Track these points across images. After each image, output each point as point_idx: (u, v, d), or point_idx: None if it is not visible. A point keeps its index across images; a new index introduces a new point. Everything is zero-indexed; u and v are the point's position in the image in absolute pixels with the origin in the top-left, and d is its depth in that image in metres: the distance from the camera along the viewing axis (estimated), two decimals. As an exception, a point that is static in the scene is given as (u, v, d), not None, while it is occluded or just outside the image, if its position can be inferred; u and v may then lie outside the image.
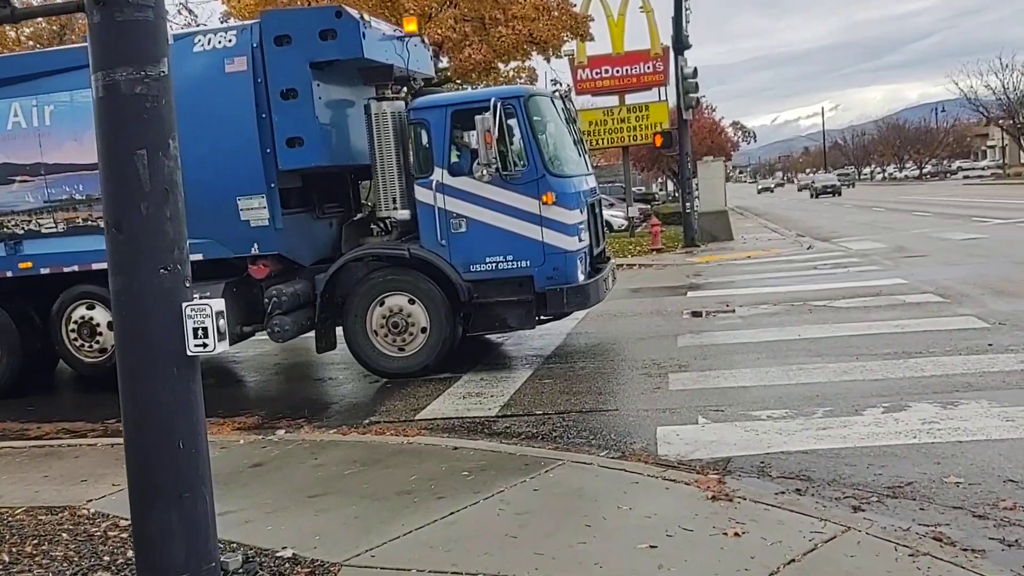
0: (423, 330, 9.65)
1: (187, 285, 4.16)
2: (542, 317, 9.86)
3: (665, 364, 9.26)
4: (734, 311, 12.48)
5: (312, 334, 10.14)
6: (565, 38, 25.54)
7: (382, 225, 10.60)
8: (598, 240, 10.64)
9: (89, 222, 10.23)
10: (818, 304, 12.33)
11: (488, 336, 11.30)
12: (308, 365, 11.18)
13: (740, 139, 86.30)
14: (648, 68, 29.79)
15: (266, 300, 9.87)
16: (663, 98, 32.35)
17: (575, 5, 25.63)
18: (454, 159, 9.63)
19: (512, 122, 9.38)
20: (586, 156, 10.97)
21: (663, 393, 8.08)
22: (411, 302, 9.66)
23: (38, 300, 10.67)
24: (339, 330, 10.15)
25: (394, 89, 10.18)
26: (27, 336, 10.62)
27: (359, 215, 10.87)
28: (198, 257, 10.00)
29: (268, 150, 9.68)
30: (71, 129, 10.06)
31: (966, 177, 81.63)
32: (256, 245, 9.94)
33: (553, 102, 10.27)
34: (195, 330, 4.08)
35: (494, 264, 9.48)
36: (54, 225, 10.35)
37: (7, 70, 10.31)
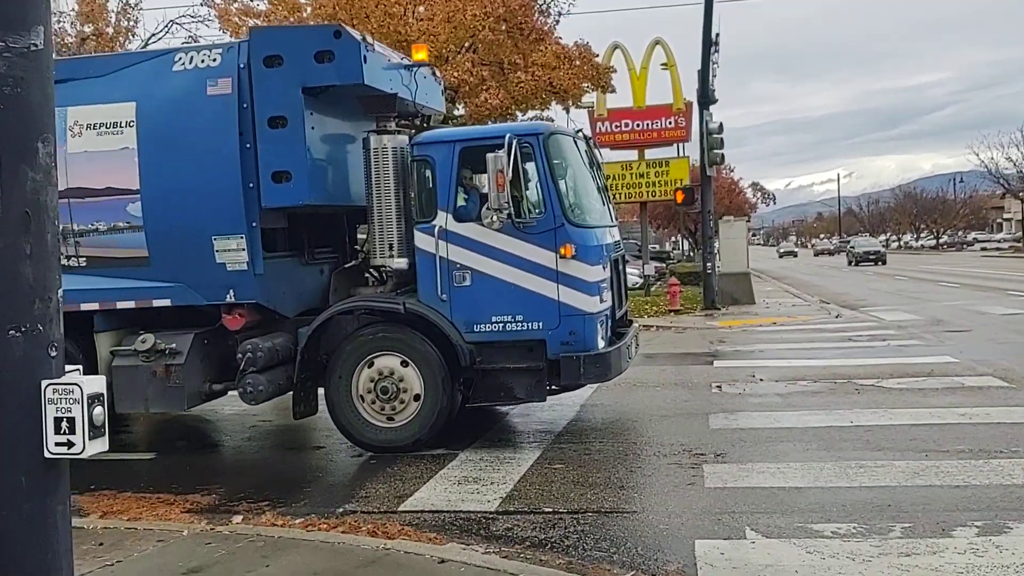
0: (416, 397, 8.34)
1: (53, 354, 2.85)
2: (554, 388, 8.54)
3: (697, 451, 7.91)
4: (766, 384, 11.11)
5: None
6: (586, 88, 24.60)
7: (377, 274, 9.34)
8: (620, 301, 9.36)
9: (45, 258, 9.00)
10: (865, 383, 10.97)
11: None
12: (289, 430, 9.84)
13: (759, 200, 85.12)
14: (670, 123, 28.81)
15: (239, 355, 8.59)
16: (683, 154, 31.36)
17: (597, 56, 24.74)
18: (460, 203, 8.41)
19: (529, 163, 8.17)
20: (610, 206, 9.74)
21: (698, 491, 6.72)
22: (404, 364, 8.36)
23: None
24: (322, 393, 8.85)
25: (398, 123, 9.01)
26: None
27: (352, 262, 9.62)
28: (165, 302, 8.80)
29: (251, 185, 8.49)
30: (31, 152, 8.88)
31: (983, 249, 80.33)
32: (232, 292, 8.70)
33: (576, 143, 9.07)
34: (57, 421, 2.77)
35: (501, 324, 8.19)
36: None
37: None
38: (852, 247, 64.31)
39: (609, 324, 8.65)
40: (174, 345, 8.75)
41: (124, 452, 9.26)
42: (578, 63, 23.24)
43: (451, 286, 8.25)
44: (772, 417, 9.18)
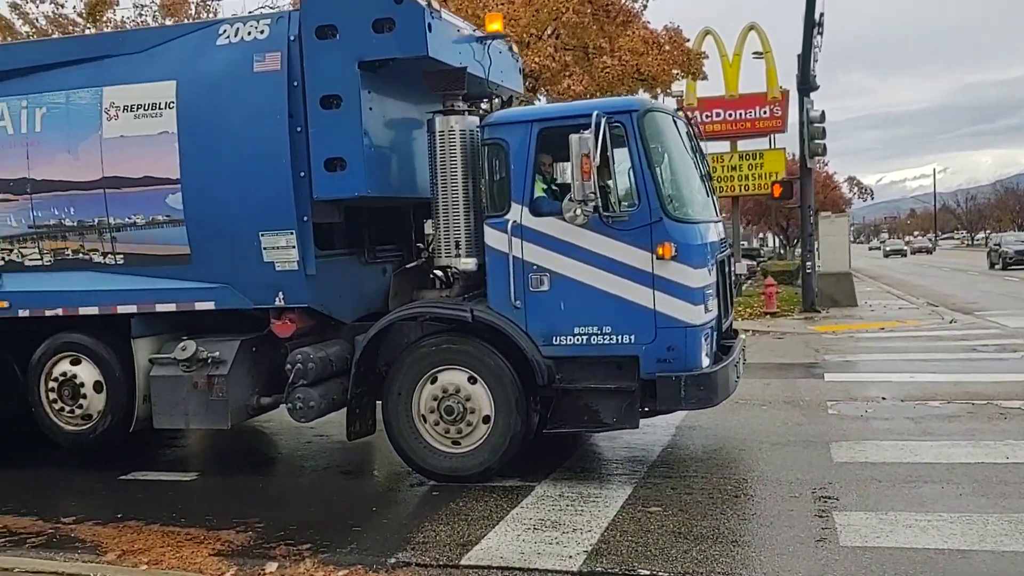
0: (485, 419, 7.18)
1: None
2: (647, 411, 7.27)
3: (823, 492, 6.56)
4: (891, 404, 9.62)
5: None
6: (676, 75, 23.14)
7: (443, 276, 8.21)
8: (727, 310, 8.02)
9: (81, 255, 8.15)
10: (1010, 406, 9.37)
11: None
12: (347, 449, 8.75)
13: (855, 196, 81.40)
14: (764, 112, 27.17)
15: (288, 366, 7.57)
16: (776, 145, 29.56)
17: (688, 41, 23.23)
18: (539, 193, 7.20)
19: (620, 147, 6.90)
20: (714, 197, 8.40)
21: (831, 550, 5.39)
22: (472, 381, 7.20)
23: (17, 350, 8.63)
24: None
25: (468, 104, 7.85)
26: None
27: (416, 262, 8.52)
28: (208, 305, 7.85)
29: (302, 173, 7.46)
30: (65, 138, 8.03)
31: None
32: (281, 295, 7.69)
33: (675, 123, 7.76)
34: None
35: (585, 337, 6.97)
36: (39, 256, 8.30)
37: (-4, 63, 8.36)
38: (998, 245, 48.40)
39: (714, 337, 7.33)
40: (217, 353, 7.79)
41: (165, 471, 8.39)
42: (668, 48, 21.78)
43: (526, 291, 7.06)
44: (907, 448, 7.72)
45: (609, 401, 7.05)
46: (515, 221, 7.05)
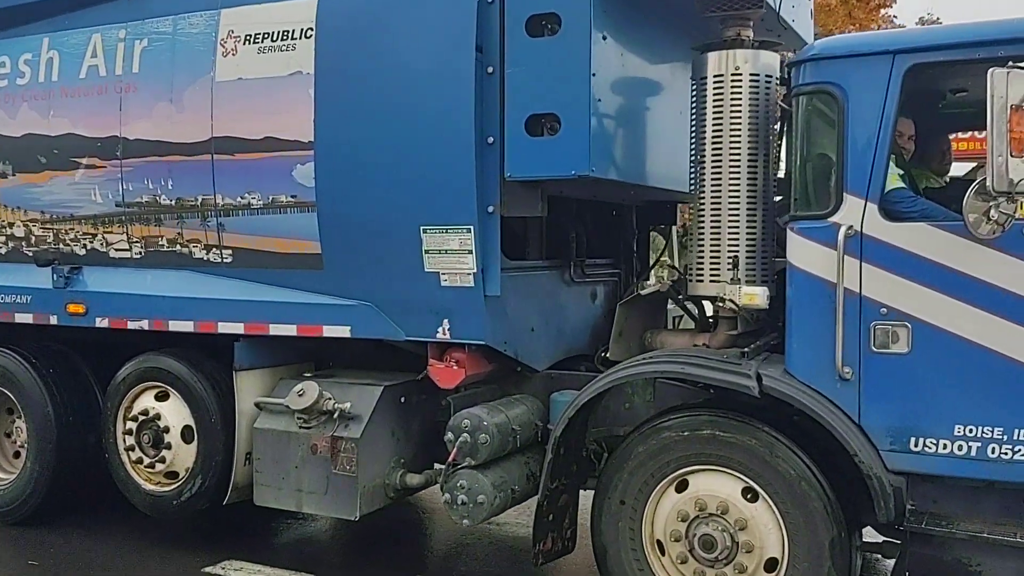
0: (770, 566, 4.19)
1: None
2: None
3: None
4: None
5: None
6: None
7: (697, 311, 5.25)
8: None
9: (178, 247, 5.78)
10: None
11: None
12: (524, 554, 5.94)
13: None
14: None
15: (449, 435, 4.87)
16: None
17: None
18: (895, 184, 4.15)
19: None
20: None
21: None
22: (750, 496, 4.24)
23: (100, 367, 6.39)
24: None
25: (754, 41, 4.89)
26: (66, 429, 6.30)
27: (650, 285, 5.62)
28: (342, 332, 5.28)
29: (490, 139, 4.79)
30: (167, 82, 5.69)
31: None
32: (447, 324, 5.02)
33: None
34: None
35: (974, 444, 3.86)
36: (127, 246, 6.01)
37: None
38: None
39: None
40: (348, 405, 5.20)
41: (269, 565, 5.81)
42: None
43: (865, 350, 4.02)
44: None
45: (1007, 564, 3.88)
46: (850, 227, 4.01)
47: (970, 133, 6.11)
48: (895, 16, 18.79)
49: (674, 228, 7.11)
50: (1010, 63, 3.50)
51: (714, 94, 4.56)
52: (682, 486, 4.39)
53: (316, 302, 5.38)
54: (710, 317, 5.06)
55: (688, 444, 4.33)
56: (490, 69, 4.81)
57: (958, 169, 5.92)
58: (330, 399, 5.23)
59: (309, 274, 5.36)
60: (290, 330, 5.45)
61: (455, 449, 4.83)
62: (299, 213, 5.29)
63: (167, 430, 5.85)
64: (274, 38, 5.32)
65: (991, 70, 3.46)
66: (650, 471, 4.41)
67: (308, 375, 5.63)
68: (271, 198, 5.37)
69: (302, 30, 5.23)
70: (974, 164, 5.02)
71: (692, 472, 4.36)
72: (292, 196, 5.29)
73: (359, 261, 5.22)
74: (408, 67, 4.95)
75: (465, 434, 4.82)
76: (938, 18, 18.65)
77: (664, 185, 5.47)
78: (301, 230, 5.31)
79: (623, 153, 4.97)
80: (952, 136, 5.32)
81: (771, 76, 4.58)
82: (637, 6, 4.95)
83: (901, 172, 4.24)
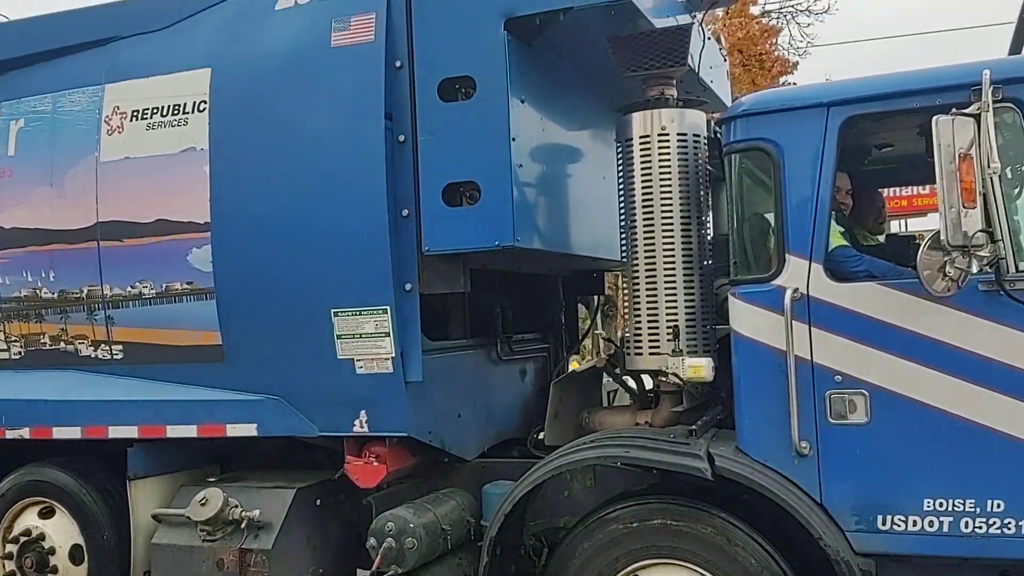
0: (735, 668, 3.78)
1: None
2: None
3: None
4: None
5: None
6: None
7: (635, 387, 4.88)
8: None
9: (63, 344, 5.20)
10: None
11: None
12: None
13: None
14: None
15: (371, 540, 4.37)
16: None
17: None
18: (838, 241, 3.91)
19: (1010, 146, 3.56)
20: None
21: None
22: (705, 591, 3.84)
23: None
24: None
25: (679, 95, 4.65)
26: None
27: (585, 361, 5.26)
28: (248, 430, 4.75)
29: (405, 212, 4.42)
30: (46, 164, 5.19)
31: None
32: (364, 416, 4.57)
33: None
34: None
35: (945, 519, 3.56)
36: (4, 346, 5.39)
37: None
38: None
39: None
40: (257, 512, 4.65)
41: None
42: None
43: (822, 422, 3.71)
44: None
45: (991, 647, 3.56)
46: (796, 290, 3.74)
47: (893, 190, 5.96)
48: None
49: (596, 298, 6.80)
50: (953, 110, 3.30)
51: (641, 156, 4.29)
52: (634, 583, 3.97)
53: (218, 398, 4.85)
54: (649, 392, 4.70)
55: (637, 536, 3.93)
56: (401, 138, 4.48)
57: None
58: (236, 507, 4.69)
59: (209, 368, 4.84)
60: (190, 431, 4.90)
61: (379, 557, 4.33)
62: (196, 301, 4.81)
63: (53, 551, 5.20)
64: (164, 113, 4.90)
65: (935, 118, 3.26)
66: (597, 569, 3.98)
67: (211, 480, 5.07)
68: (164, 286, 4.88)
69: (195, 103, 4.83)
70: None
71: (644, 567, 3.95)
72: (188, 283, 4.81)
73: (265, 351, 4.73)
74: (313, 139, 4.57)
75: (389, 539, 4.34)
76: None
77: (591, 253, 5.17)
78: (199, 320, 4.81)
79: (547, 221, 4.65)
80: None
81: (699, 136, 4.34)
82: (553, 68, 4.70)
83: (842, 229, 4.02)
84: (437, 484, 4.97)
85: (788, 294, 3.70)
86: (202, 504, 4.66)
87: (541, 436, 5.22)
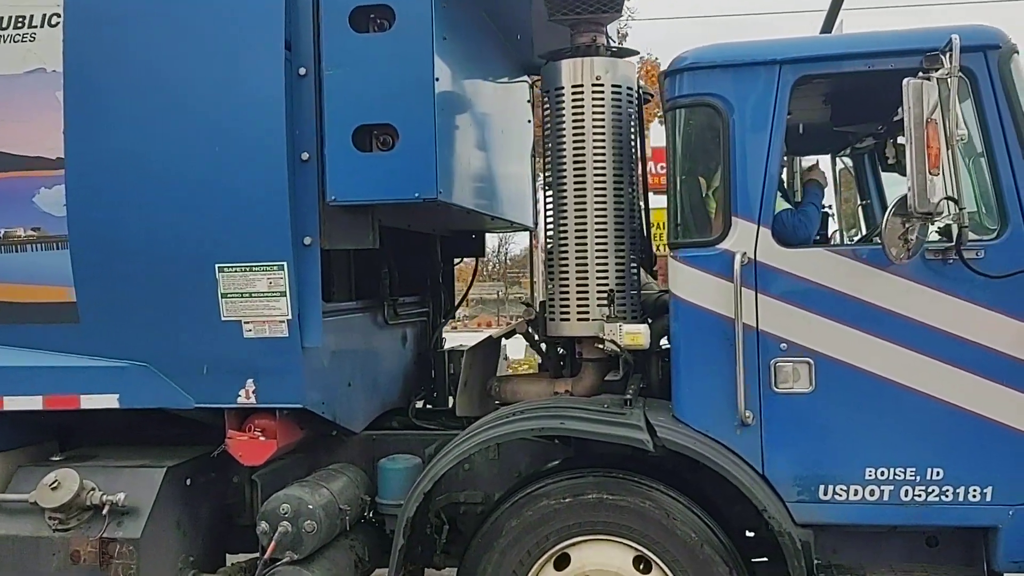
0: (671, 644, 3.63)
1: None
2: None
3: None
4: None
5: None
6: (657, 115, 20.22)
7: (555, 354, 4.57)
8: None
9: None
10: None
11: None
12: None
13: None
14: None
15: (263, 525, 3.87)
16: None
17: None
18: (784, 204, 3.79)
19: (969, 109, 3.54)
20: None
21: None
22: (642, 567, 3.66)
23: None
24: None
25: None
26: None
27: (510, 325, 4.93)
28: (108, 401, 4.08)
29: (304, 155, 3.89)
30: None
31: None
32: (252, 385, 4.01)
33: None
34: None
35: (886, 488, 3.54)
36: None
37: None
38: None
39: None
40: (122, 496, 4.01)
41: None
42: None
43: (766, 391, 3.59)
44: None
45: (920, 611, 3.60)
46: (744, 254, 3.58)
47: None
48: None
49: (476, 261, 6.48)
50: (920, 73, 3.22)
51: (573, 106, 3.99)
52: (562, 562, 3.72)
53: (70, 364, 4.14)
54: (561, 358, 4.44)
55: (570, 512, 3.68)
56: (302, 71, 3.95)
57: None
58: (94, 490, 4.03)
59: (59, 329, 4.12)
60: (34, 403, 4.16)
61: (272, 543, 3.84)
62: (44, 251, 4.07)
63: None
64: (3, 25, 4.08)
65: (906, 80, 3.16)
66: (526, 548, 3.71)
67: (56, 459, 4.36)
68: (2, 232, 4.10)
69: (44, 16, 4.06)
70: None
71: (574, 544, 3.71)
72: (34, 229, 4.07)
73: (129, 311, 4.07)
74: (194, 63, 3.95)
75: (285, 522, 3.87)
76: (657, 59, 19.53)
77: (502, 214, 4.84)
78: (47, 273, 4.08)
79: (465, 175, 4.26)
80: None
81: (632, 88, 4.10)
82: (485, 5, 4.30)
83: (796, 188, 3.92)
84: (321, 459, 4.52)
85: (738, 258, 3.54)
86: (53, 488, 3.97)
87: (419, 405, 4.94)
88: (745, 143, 3.63)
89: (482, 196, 4.53)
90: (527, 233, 6.59)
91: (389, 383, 5.16)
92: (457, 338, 6.79)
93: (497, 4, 4.55)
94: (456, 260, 6.28)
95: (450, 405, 5.36)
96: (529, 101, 5.75)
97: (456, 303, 6.33)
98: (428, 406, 5.58)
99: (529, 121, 5.74)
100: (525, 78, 5.66)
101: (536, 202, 5.95)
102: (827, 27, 4.91)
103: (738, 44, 3.74)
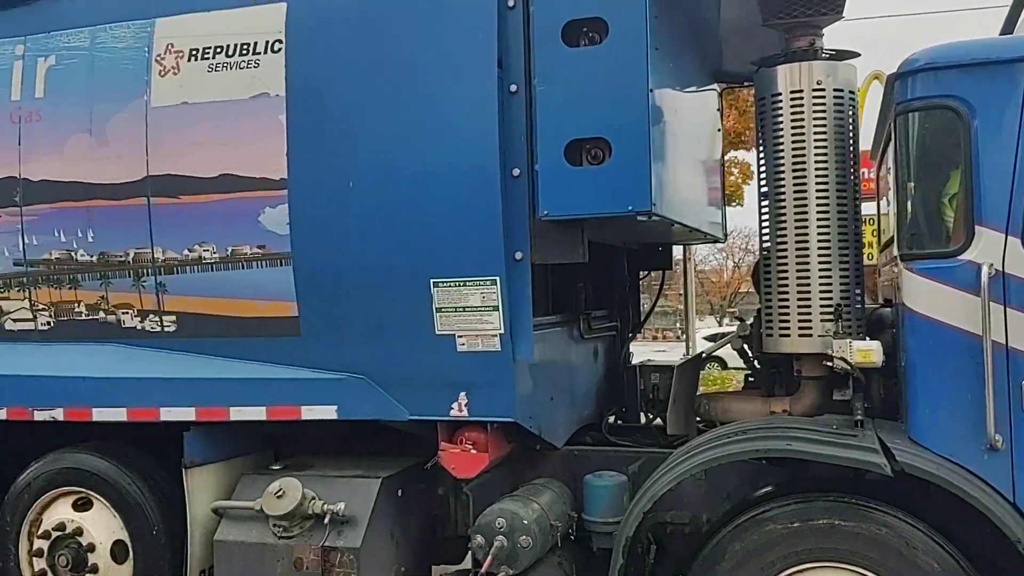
0: None
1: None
2: None
3: None
4: None
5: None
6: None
7: (768, 372, 4.41)
8: None
9: (102, 314, 4.58)
10: None
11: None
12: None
13: None
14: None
15: (478, 538, 3.90)
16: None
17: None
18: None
19: None
20: None
21: None
22: (881, 602, 3.46)
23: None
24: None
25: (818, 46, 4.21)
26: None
27: (723, 340, 4.82)
28: (327, 412, 4.21)
29: (516, 171, 3.89)
30: (84, 108, 4.54)
31: None
32: (464, 399, 4.06)
33: None
34: None
35: None
36: (29, 315, 4.74)
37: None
38: None
39: None
40: (342, 506, 4.12)
41: None
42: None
43: (1017, 414, 3.34)
44: None
45: None
46: (991, 265, 3.34)
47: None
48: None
49: (663, 274, 6.37)
50: None
51: (793, 113, 3.85)
52: (802, 593, 3.56)
53: (291, 377, 4.31)
54: (775, 377, 4.27)
55: (799, 538, 3.52)
56: (513, 87, 3.97)
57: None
58: (316, 499, 4.17)
59: (282, 342, 4.29)
60: (259, 413, 4.35)
61: (489, 558, 3.85)
62: (268, 267, 4.25)
63: (92, 548, 4.59)
64: (229, 52, 4.30)
65: None
66: (749, 573, 3.57)
67: (276, 468, 4.53)
68: (230, 250, 4.30)
69: (267, 43, 4.24)
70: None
71: (801, 572, 3.54)
72: (259, 247, 4.25)
73: (348, 325, 4.20)
74: (410, 86, 4.03)
75: (501, 536, 3.88)
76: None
77: (702, 227, 4.73)
78: (271, 288, 4.25)
79: (673, 187, 4.19)
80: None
81: (854, 92, 3.92)
82: (686, 14, 4.23)
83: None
84: (524, 474, 4.52)
85: (984, 270, 3.31)
86: (278, 496, 4.13)
87: (617, 421, 4.87)
88: (989, 147, 3.40)
89: (686, 208, 4.43)
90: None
91: (585, 398, 5.13)
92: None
93: (698, 12, 4.46)
94: (643, 273, 6.21)
95: (642, 421, 5.31)
96: (718, 109, 5.64)
97: (643, 317, 6.24)
98: (619, 422, 5.52)
99: (719, 130, 5.62)
100: (715, 86, 5.55)
101: (724, 214, 5.82)
102: (1008, 27, 4.61)
103: (977, 42, 3.51)
